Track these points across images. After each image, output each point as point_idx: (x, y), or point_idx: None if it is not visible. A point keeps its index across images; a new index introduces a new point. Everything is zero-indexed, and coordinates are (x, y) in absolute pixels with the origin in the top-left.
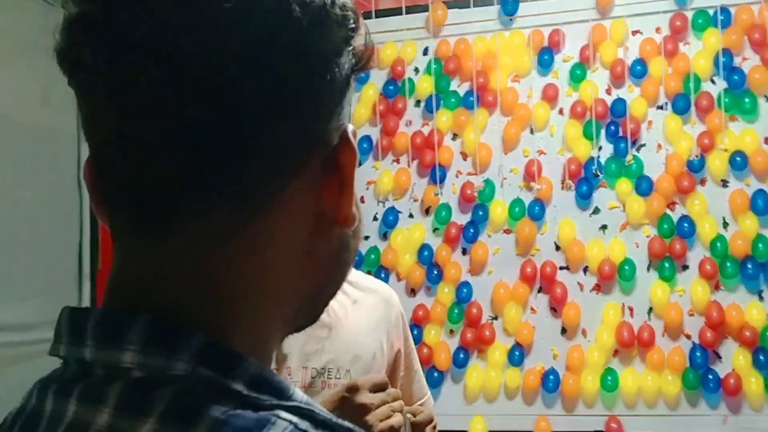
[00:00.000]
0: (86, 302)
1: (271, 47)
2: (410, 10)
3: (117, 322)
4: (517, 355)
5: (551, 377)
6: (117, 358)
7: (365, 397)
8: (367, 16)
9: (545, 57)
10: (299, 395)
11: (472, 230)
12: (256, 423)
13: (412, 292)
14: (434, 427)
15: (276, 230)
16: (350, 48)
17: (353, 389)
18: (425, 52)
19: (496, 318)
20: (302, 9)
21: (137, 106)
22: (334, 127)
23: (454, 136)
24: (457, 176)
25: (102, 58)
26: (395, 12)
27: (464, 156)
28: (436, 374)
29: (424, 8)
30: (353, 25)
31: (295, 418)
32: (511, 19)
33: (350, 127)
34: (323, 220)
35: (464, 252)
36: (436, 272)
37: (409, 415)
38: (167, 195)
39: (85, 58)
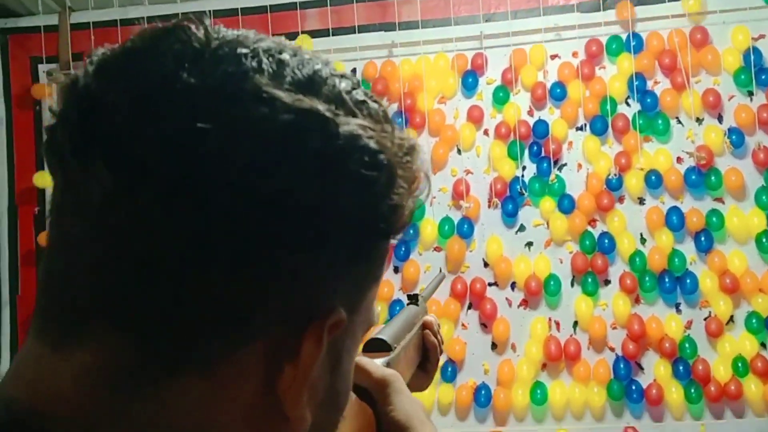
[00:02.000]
0: (6, 329)
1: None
2: (336, 32)
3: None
4: (450, 371)
5: (483, 392)
6: None
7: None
8: (293, 36)
9: (469, 80)
10: None
11: (403, 249)
12: None
13: None
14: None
15: (194, 399)
16: (382, 205)
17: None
18: (353, 73)
19: None
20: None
21: (88, 216)
22: (316, 304)
23: None
24: None
25: (70, 160)
26: (323, 33)
27: None
28: None
29: (350, 30)
30: (408, 185)
31: None
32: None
33: (336, 317)
34: (271, 409)
35: (396, 270)
36: None
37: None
38: (84, 311)
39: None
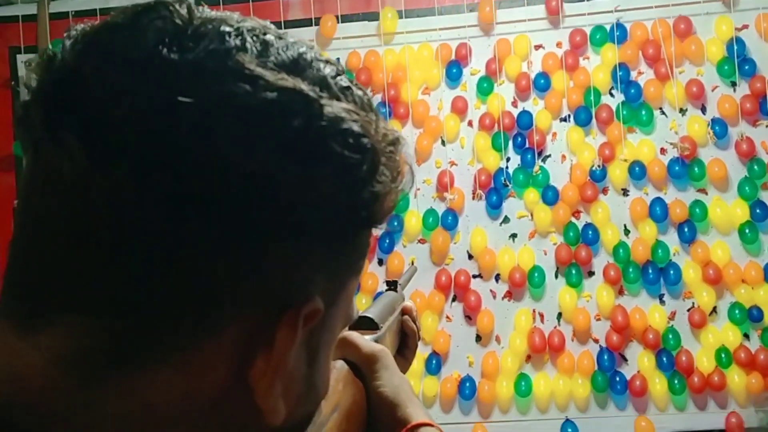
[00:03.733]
0: None
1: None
2: (320, 21)
3: None
4: (434, 363)
5: (467, 384)
6: None
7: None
8: (276, 27)
9: (453, 70)
10: None
11: (387, 241)
12: None
13: None
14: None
15: (163, 387)
16: (364, 191)
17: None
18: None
19: None
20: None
21: (57, 193)
22: (292, 291)
23: None
24: None
25: (42, 133)
26: (305, 23)
27: None
28: None
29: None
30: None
31: None
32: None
33: (313, 305)
34: (242, 399)
35: (380, 263)
36: None
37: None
38: (51, 293)
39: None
